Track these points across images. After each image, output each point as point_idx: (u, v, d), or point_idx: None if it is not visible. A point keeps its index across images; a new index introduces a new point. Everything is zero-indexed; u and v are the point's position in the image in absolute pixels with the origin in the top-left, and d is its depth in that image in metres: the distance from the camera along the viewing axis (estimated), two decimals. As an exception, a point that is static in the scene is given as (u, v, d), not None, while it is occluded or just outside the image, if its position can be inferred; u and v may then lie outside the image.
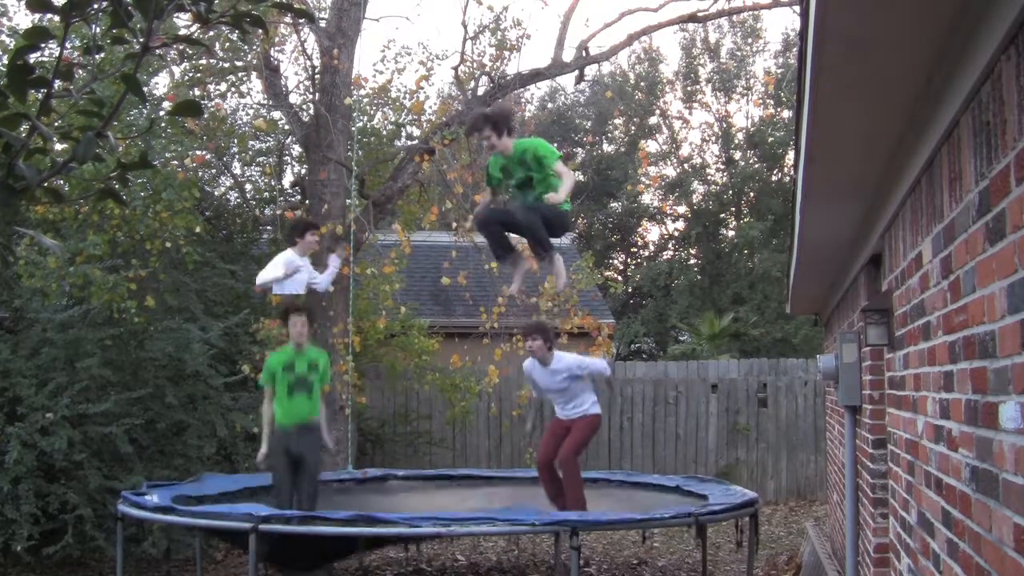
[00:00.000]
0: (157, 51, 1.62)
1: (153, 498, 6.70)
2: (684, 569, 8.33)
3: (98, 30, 1.68)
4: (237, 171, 12.07)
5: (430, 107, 12.15)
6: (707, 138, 25.39)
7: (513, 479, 9.08)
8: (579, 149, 27.67)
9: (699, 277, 23.73)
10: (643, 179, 23.21)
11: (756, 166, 23.82)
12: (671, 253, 25.87)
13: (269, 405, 7.03)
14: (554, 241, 5.61)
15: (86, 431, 7.85)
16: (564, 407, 7.02)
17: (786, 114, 23.04)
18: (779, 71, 23.57)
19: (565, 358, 6.96)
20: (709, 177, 24.57)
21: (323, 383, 7.16)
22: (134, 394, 8.26)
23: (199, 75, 10.33)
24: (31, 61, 1.64)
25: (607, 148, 27.58)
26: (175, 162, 9.22)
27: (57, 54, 1.72)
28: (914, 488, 3.15)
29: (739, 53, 24.69)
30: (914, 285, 3.08)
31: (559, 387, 6.95)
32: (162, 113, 9.49)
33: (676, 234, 25.96)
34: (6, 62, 5.63)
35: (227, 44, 10.11)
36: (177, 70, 10.27)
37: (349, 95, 10.01)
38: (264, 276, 7.50)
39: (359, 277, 10.11)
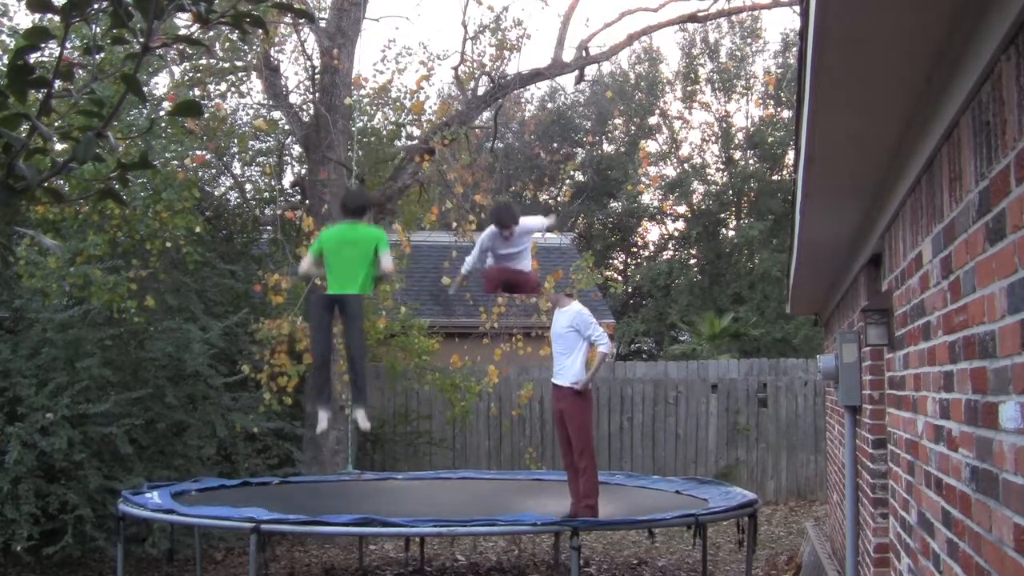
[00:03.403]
0: (157, 51, 1.62)
1: (154, 497, 6.71)
2: (684, 569, 8.33)
3: (98, 30, 1.68)
4: (237, 171, 12.08)
5: (430, 107, 12.18)
6: (707, 138, 25.41)
7: (514, 480, 9.09)
8: (579, 149, 27.67)
9: (699, 277, 23.74)
10: (643, 179, 23.21)
11: (756, 166, 23.83)
12: (671, 253, 25.88)
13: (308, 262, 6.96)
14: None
15: (86, 431, 7.85)
16: (556, 360, 7.05)
17: (786, 114, 23.05)
18: (779, 71, 23.58)
19: (575, 310, 7.01)
20: (709, 177, 24.58)
21: (379, 252, 6.74)
22: (134, 394, 8.26)
23: (199, 75, 10.33)
24: (31, 61, 1.64)
25: (607, 148, 27.59)
26: (175, 162, 9.22)
27: (57, 54, 1.72)
28: (914, 488, 3.15)
29: (739, 53, 24.69)
30: (914, 285, 3.08)
31: (559, 332, 7.04)
32: (162, 113, 9.49)
33: (676, 234, 25.97)
34: (6, 62, 5.63)
35: (227, 44, 10.11)
36: (177, 70, 10.28)
37: (349, 95, 10.01)
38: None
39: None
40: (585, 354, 6.95)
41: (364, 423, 7.03)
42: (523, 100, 24.47)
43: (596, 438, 10.62)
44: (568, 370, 6.92)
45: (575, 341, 6.92)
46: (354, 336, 6.93)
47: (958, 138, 2.30)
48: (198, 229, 9.16)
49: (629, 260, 27.59)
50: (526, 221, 7.16)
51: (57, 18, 1.60)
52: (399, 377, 11.38)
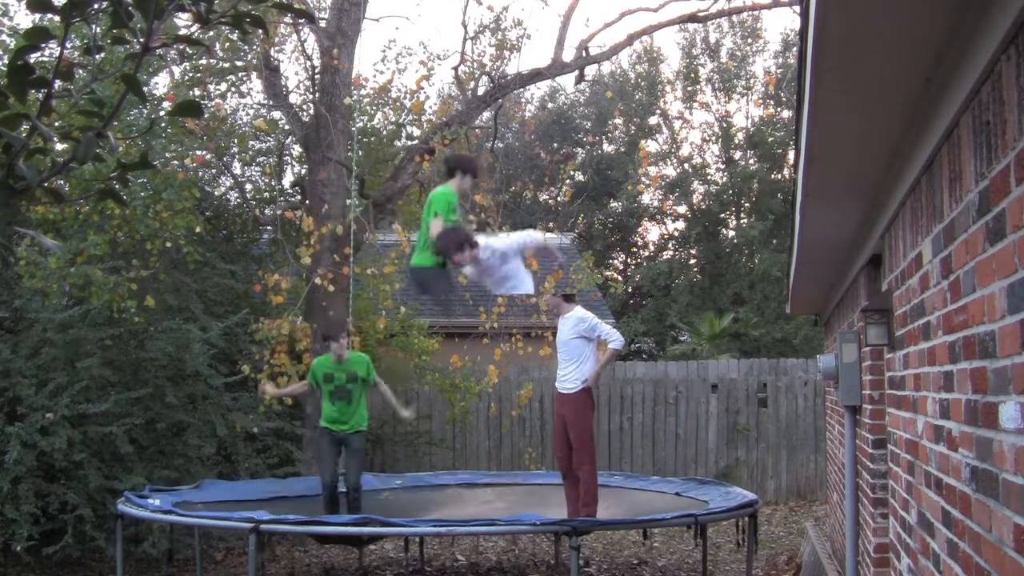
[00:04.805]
0: (157, 51, 1.62)
1: (155, 502, 6.72)
2: (684, 569, 8.33)
3: (98, 30, 1.68)
4: (237, 171, 12.08)
5: (430, 107, 12.17)
6: (707, 138, 25.41)
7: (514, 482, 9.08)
8: (579, 149, 27.67)
9: (699, 277, 23.74)
10: (643, 179, 23.21)
11: (756, 166, 23.83)
12: (671, 253, 25.88)
13: (300, 385, 7.97)
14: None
15: (86, 431, 7.85)
16: (560, 366, 7.00)
17: (786, 114, 23.05)
18: (779, 71, 23.58)
19: (578, 316, 6.93)
20: (709, 177, 24.58)
21: (368, 384, 7.52)
22: (134, 394, 8.26)
23: (199, 75, 10.32)
24: (31, 61, 1.64)
25: (607, 148, 27.59)
26: (175, 162, 9.22)
27: (57, 54, 1.72)
28: (914, 488, 3.15)
29: (739, 53, 24.69)
30: (914, 285, 3.08)
31: (564, 339, 6.98)
32: (162, 113, 9.48)
33: (676, 234, 25.97)
34: (6, 62, 5.63)
35: (227, 44, 10.10)
36: (177, 70, 10.28)
37: (349, 95, 10.01)
38: None
39: (359, 277, 10.11)
40: (592, 361, 6.91)
41: None
42: (523, 100, 24.48)
43: (596, 438, 10.63)
44: (573, 376, 6.90)
45: (581, 349, 6.88)
46: (354, 469, 7.43)
47: (958, 138, 2.30)
48: (198, 229, 9.16)
49: (629, 260, 27.59)
50: (497, 243, 5.94)
51: (57, 18, 1.60)
52: (399, 377, 11.38)
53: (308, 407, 9.74)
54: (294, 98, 11.23)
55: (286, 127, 11.32)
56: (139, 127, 8.60)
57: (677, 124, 25.63)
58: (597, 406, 8.76)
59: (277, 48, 10.88)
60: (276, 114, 11.38)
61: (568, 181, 25.92)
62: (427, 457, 11.67)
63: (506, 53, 10.98)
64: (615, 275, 25.78)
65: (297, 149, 12.08)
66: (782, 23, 44.80)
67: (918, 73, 2.41)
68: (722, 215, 24.53)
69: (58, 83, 1.72)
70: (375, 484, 8.70)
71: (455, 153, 7.02)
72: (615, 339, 6.85)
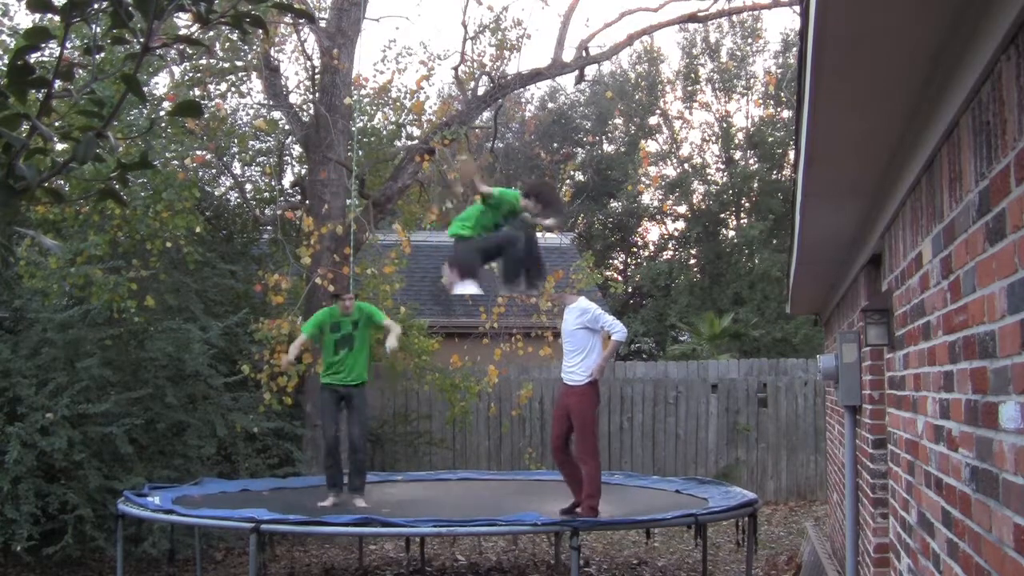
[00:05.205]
0: (157, 51, 1.62)
1: (155, 500, 6.72)
2: (684, 569, 8.33)
3: (98, 30, 1.68)
4: (237, 171, 12.08)
5: (430, 107, 12.16)
6: (707, 138, 25.41)
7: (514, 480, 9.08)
8: (579, 149, 27.67)
9: (699, 277, 23.74)
10: (643, 179, 23.21)
11: (756, 166, 23.83)
12: (671, 253, 25.88)
13: (298, 343, 7.64)
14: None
15: (86, 431, 7.85)
16: (566, 357, 6.97)
17: (786, 114, 23.06)
18: (779, 71, 23.58)
19: (582, 307, 6.91)
20: (709, 177, 24.59)
21: (373, 325, 7.69)
22: (134, 394, 8.26)
23: (199, 75, 10.32)
24: (31, 61, 1.64)
25: (607, 148, 27.59)
26: (175, 162, 9.22)
27: (57, 54, 1.72)
28: (914, 488, 3.15)
29: (739, 53, 24.69)
30: (914, 285, 3.08)
31: (568, 329, 6.96)
32: (162, 113, 9.48)
33: (676, 234, 25.98)
34: (6, 62, 5.63)
35: (227, 44, 10.11)
36: (177, 70, 10.28)
37: (349, 95, 10.01)
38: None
39: (359, 277, 10.11)
40: (598, 352, 6.88)
41: (361, 504, 7.49)
42: (523, 100, 24.49)
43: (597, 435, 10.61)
44: (579, 368, 6.86)
45: (585, 339, 6.84)
46: (357, 427, 7.57)
47: (958, 138, 2.30)
48: (198, 229, 9.16)
49: (629, 260, 27.59)
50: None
51: (57, 18, 1.60)
52: (399, 377, 11.38)
53: (308, 406, 9.75)
54: (294, 98, 11.24)
55: (286, 127, 11.33)
56: (139, 127, 8.60)
57: (677, 124, 25.66)
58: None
59: (277, 48, 10.89)
60: (276, 114, 11.38)
61: (568, 181, 25.91)
62: (427, 457, 11.67)
63: (506, 53, 10.99)
64: (615, 275, 25.78)
65: (297, 149, 12.09)
66: (782, 23, 44.82)
67: (918, 73, 2.41)
68: (722, 215, 24.53)
69: (58, 83, 1.72)
70: (373, 480, 8.70)
71: (546, 183, 7.49)
72: (618, 330, 6.84)
